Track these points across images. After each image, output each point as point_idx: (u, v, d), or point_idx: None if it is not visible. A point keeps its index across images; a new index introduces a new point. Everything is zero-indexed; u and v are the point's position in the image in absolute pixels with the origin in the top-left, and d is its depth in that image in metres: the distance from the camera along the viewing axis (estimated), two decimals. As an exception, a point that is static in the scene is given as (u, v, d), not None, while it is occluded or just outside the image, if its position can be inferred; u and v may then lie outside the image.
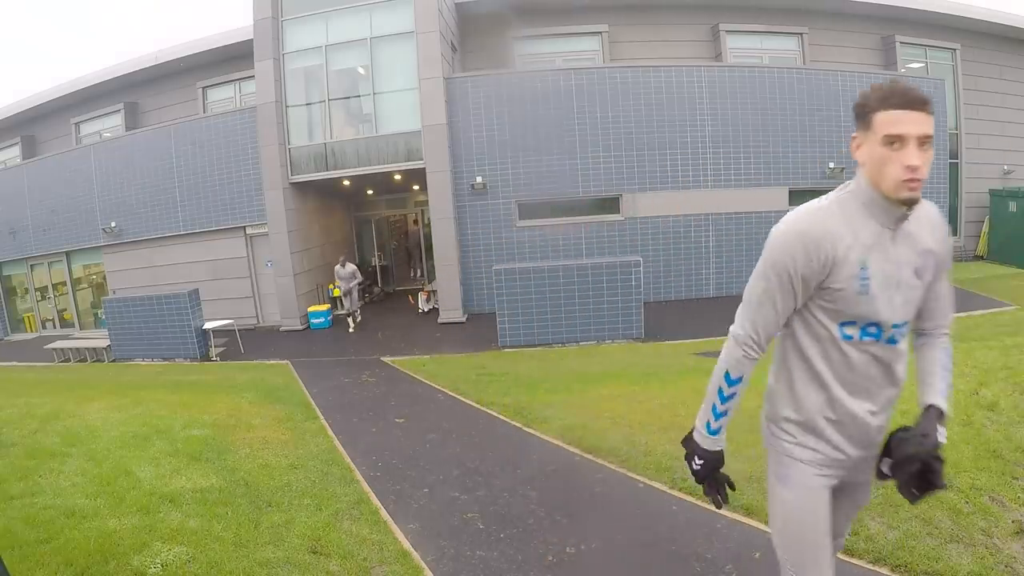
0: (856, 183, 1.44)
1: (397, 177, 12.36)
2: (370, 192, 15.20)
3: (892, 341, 1.44)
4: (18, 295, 15.78)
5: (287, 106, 11.54)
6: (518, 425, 4.93)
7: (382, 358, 8.67)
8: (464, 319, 11.25)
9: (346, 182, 12.50)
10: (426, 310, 12.43)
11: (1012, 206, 13.94)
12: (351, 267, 11.13)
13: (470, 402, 5.80)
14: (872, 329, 1.42)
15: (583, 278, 8.78)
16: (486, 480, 3.87)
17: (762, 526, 2.97)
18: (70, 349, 11.31)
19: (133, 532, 3.00)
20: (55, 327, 15.10)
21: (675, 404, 4.85)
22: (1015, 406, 3.84)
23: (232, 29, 14.03)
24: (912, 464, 1.42)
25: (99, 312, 13.58)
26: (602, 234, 11.42)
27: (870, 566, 2.57)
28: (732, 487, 1.64)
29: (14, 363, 11.74)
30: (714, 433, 1.60)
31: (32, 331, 15.51)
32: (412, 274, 16.66)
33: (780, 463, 1.58)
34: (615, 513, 3.19)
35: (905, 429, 1.47)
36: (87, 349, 11.25)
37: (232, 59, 14.24)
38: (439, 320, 11.24)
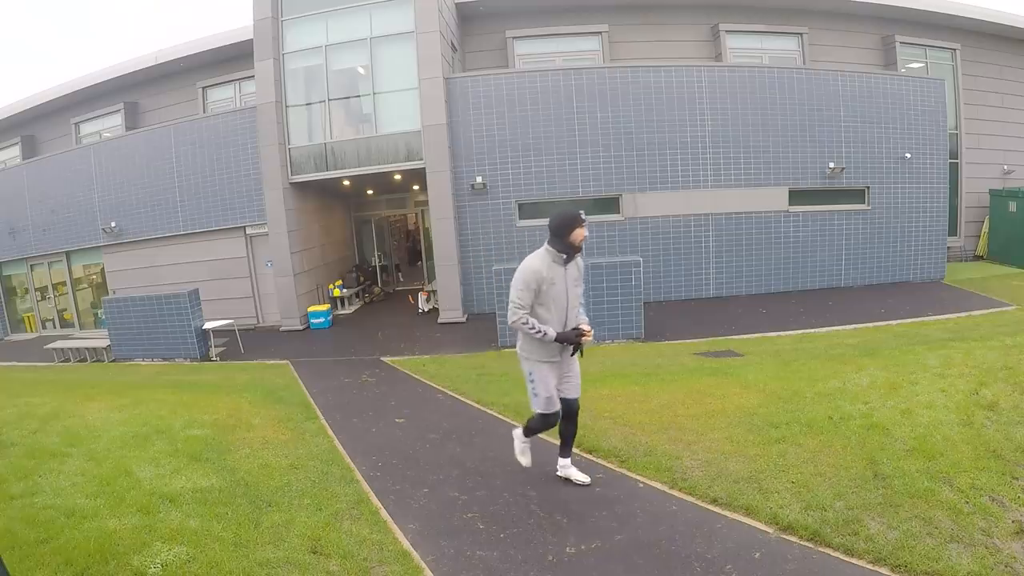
0: None
1: (397, 177, 12.36)
2: (370, 192, 15.19)
3: None
4: (18, 295, 15.78)
5: (287, 106, 11.54)
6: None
7: (382, 358, 8.67)
8: (464, 319, 11.25)
9: (346, 182, 12.50)
10: (426, 310, 12.44)
11: (1012, 206, 13.95)
12: None
13: (470, 402, 5.79)
14: None
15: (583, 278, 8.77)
16: (486, 480, 3.87)
17: (762, 526, 2.97)
18: (70, 349, 11.31)
19: (133, 532, 3.00)
20: (55, 327, 15.10)
21: (675, 404, 4.85)
22: (1015, 406, 3.84)
23: (232, 29, 14.04)
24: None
25: (99, 312, 13.57)
26: (602, 234, 11.42)
27: (870, 566, 2.57)
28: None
29: (14, 363, 11.73)
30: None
31: (32, 331, 15.51)
32: (398, 278, 16.67)
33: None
34: (615, 513, 3.19)
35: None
36: (87, 349, 11.25)
37: (232, 59, 14.24)
38: (439, 320, 11.23)
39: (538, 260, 3.30)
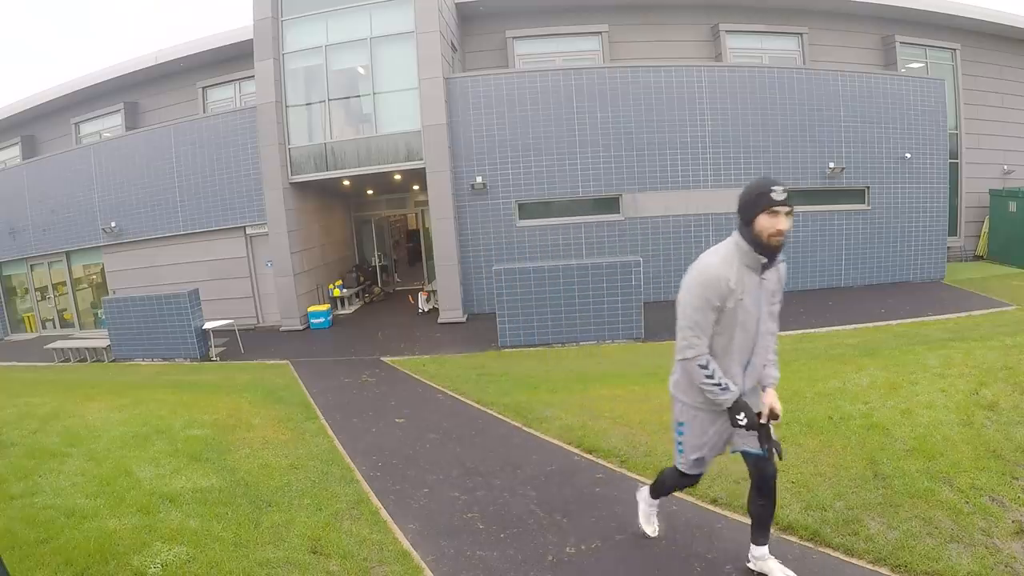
0: None
1: (397, 177, 12.36)
2: (370, 192, 15.19)
3: None
4: (18, 295, 15.77)
5: (287, 106, 11.54)
6: (518, 425, 4.93)
7: (382, 358, 8.67)
8: (464, 319, 11.24)
9: (346, 182, 12.49)
10: (426, 310, 12.43)
11: (1012, 206, 13.94)
12: None
13: (470, 402, 5.79)
14: None
15: (583, 278, 8.78)
16: (486, 480, 3.87)
17: (762, 526, 2.97)
18: (70, 349, 11.30)
19: (133, 532, 3.01)
20: (55, 327, 15.10)
21: (675, 404, 4.85)
22: (1015, 406, 3.84)
23: (232, 29, 14.03)
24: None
25: (99, 312, 13.57)
26: (602, 234, 11.42)
27: (870, 566, 2.57)
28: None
29: (14, 363, 11.73)
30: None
31: (32, 331, 15.51)
32: (396, 277, 16.67)
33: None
34: (615, 513, 3.19)
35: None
36: (87, 349, 11.25)
37: (232, 59, 14.23)
38: (439, 320, 11.23)
39: (723, 261, 2.14)
